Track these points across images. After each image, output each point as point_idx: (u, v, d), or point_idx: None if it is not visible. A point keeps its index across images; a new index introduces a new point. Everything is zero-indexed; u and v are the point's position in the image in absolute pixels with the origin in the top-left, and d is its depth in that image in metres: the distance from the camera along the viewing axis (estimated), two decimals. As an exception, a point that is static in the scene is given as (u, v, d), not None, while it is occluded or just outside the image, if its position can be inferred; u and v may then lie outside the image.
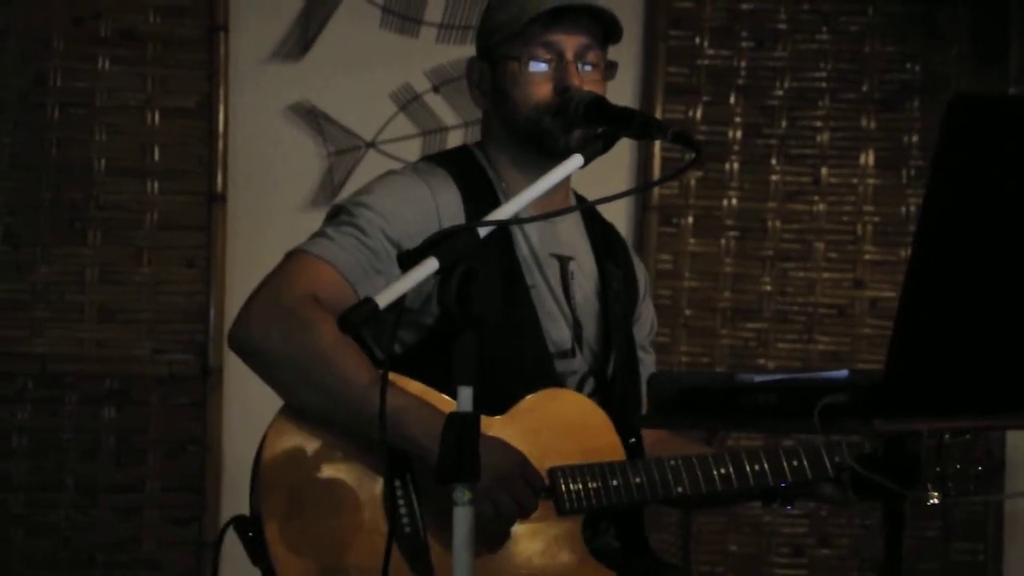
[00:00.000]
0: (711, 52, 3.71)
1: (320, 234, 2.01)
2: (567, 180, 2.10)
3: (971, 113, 1.14)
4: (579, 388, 2.08)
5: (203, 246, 3.55)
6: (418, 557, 1.89)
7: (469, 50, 3.65)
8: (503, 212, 1.66)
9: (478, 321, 1.54)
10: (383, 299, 1.49)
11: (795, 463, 2.04)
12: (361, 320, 1.48)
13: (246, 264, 3.46)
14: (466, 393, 1.54)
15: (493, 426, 1.94)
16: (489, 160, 2.14)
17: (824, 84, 3.71)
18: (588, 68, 2.05)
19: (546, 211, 1.95)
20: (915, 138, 3.70)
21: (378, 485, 1.91)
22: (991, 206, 1.17)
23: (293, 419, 1.95)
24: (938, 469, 1.44)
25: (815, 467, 2.05)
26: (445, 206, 2.03)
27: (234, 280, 3.50)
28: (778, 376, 1.40)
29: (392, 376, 1.91)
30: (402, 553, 1.89)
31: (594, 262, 2.16)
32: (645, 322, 2.25)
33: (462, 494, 1.54)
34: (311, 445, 1.92)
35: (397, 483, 1.91)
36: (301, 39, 3.61)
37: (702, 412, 1.43)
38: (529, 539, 1.96)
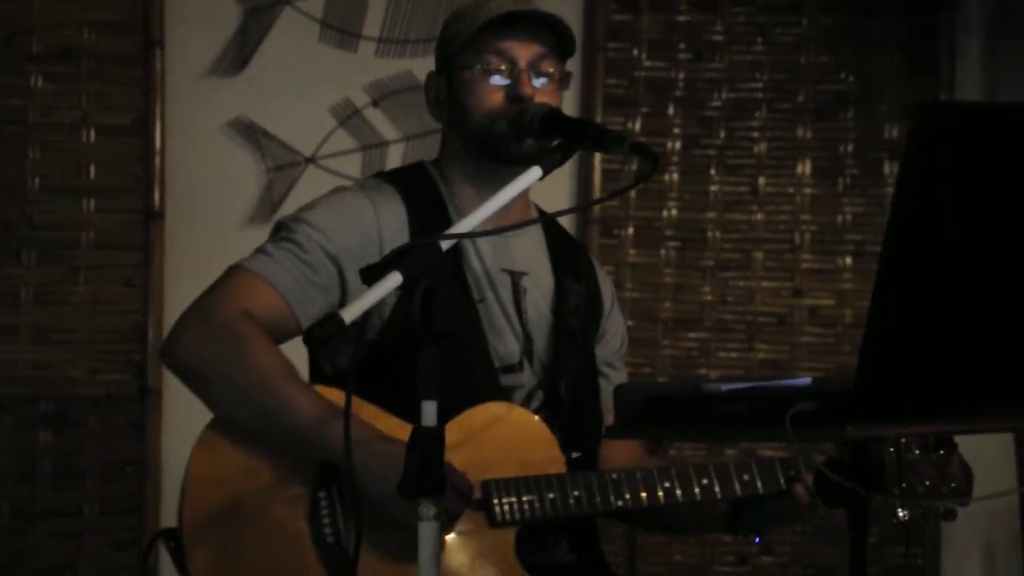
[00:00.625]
0: (649, 64, 3.73)
1: (259, 250, 2.02)
2: (526, 195, 2.10)
3: (937, 120, 1.16)
4: (526, 402, 2.07)
5: (140, 264, 3.50)
6: (340, 567, 1.91)
7: (408, 64, 3.70)
8: (463, 226, 1.66)
9: (441, 336, 1.53)
10: (348, 314, 1.48)
11: (745, 477, 2.00)
12: (327, 336, 1.47)
13: (184, 282, 3.40)
14: (430, 408, 1.53)
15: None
16: (443, 175, 2.13)
17: (760, 95, 3.75)
18: (542, 79, 2.04)
19: (503, 225, 1.94)
20: (850, 147, 3.75)
21: (304, 496, 1.92)
22: (959, 212, 1.19)
23: (221, 432, 1.96)
24: (902, 483, 1.46)
25: (767, 482, 2.01)
26: (388, 221, 2.03)
27: (172, 299, 3.45)
28: (745, 384, 1.40)
29: (323, 389, 1.94)
30: (323, 563, 1.90)
31: (552, 277, 2.16)
32: (612, 338, 2.23)
33: (427, 509, 1.53)
34: (238, 457, 1.93)
35: (322, 494, 1.92)
36: (238, 54, 3.58)
37: (669, 422, 1.43)
38: (458, 550, 1.94)
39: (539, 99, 2.01)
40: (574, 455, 2.06)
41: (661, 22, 3.73)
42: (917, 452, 1.65)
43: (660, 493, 1.98)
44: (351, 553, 1.82)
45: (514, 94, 2.02)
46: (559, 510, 1.95)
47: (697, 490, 2.00)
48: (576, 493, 1.96)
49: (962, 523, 3.70)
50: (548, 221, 2.20)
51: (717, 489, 2.00)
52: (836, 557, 3.64)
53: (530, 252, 2.15)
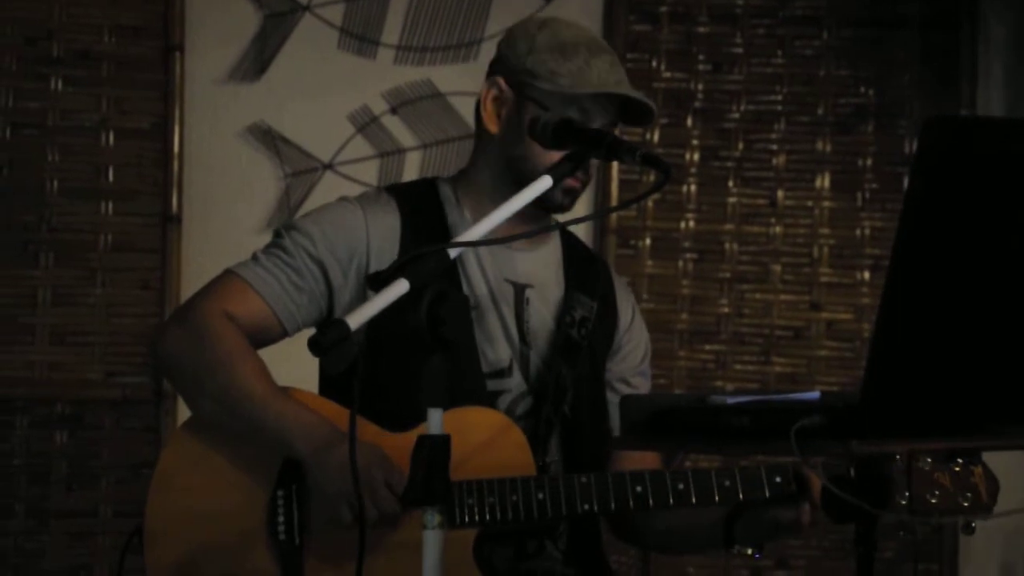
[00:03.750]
0: (668, 75, 3.73)
1: (252, 256, 2.09)
2: (546, 213, 2.09)
3: (945, 134, 1.15)
4: (512, 406, 2.08)
5: (158, 268, 3.51)
6: (289, 565, 1.96)
7: (427, 72, 3.70)
8: (472, 234, 1.66)
9: (447, 343, 1.53)
10: (354, 320, 1.48)
11: (726, 483, 1.96)
12: (331, 343, 1.47)
13: (201, 286, 3.42)
14: (436, 416, 1.53)
15: (397, 440, 1.95)
16: (455, 187, 2.14)
17: (780, 107, 3.74)
18: None
19: (514, 236, 1.93)
20: (869, 161, 3.74)
21: (264, 495, 1.98)
22: (966, 227, 1.18)
23: (192, 430, 2.04)
24: (908, 496, 1.44)
25: (748, 488, 1.96)
26: (376, 229, 2.06)
27: None
28: (750, 398, 1.40)
29: (299, 393, 2.01)
30: (276, 561, 1.96)
31: (563, 290, 2.16)
32: (630, 354, 2.22)
33: (432, 517, 1.53)
34: (206, 457, 2.00)
35: (280, 492, 1.97)
36: (257, 60, 3.59)
37: (675, 434, 1.43)
38: (415, 551, 1.92)
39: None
40: (549, 460, 2.06)
41: (680, 33, 3.72)
42: (929, 461, 1.61)
43: (630, 498, 1.96)
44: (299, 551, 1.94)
45: (585, 166, 1.97)
46: (521, 513, 1.95)
47: (671, 496, 1.96)
48: (540, 496, 1.95)
49: (980, 539, 3.67)
50: (567, 236, 2.21)
51: (694, 495, 1.96)
52: (849, 572, 3.61)
53: (540, 265, 2.16)
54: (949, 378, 1.23)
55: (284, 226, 2.11)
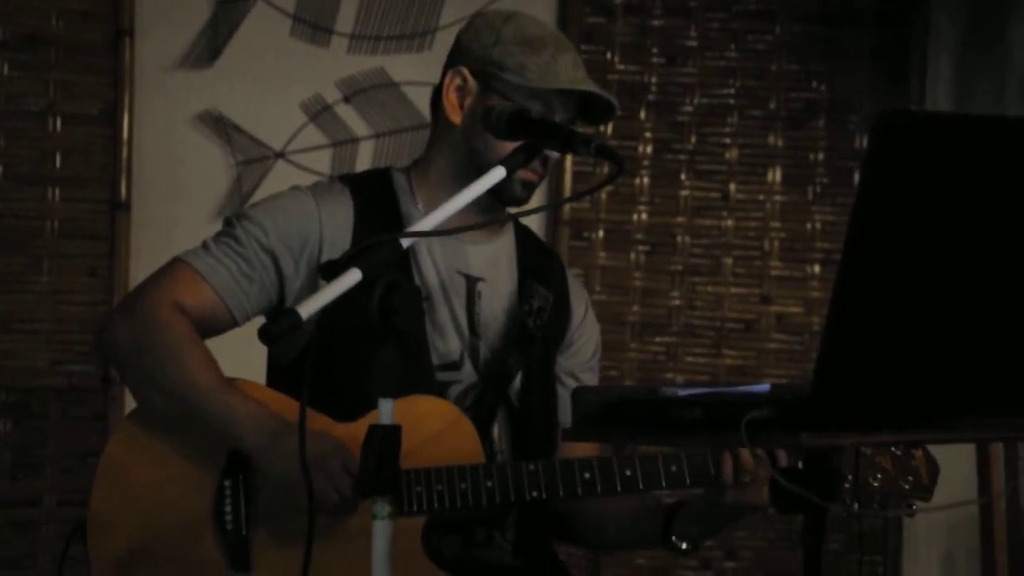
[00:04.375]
0: (622, 67, 3.73)
1: (202, 244, 2.07)
2: (502, 206, 2.08)
3: (896, 128, 1.16)
4: (461, 398, 2.08)
5: (106, 255, 3.48)
6: (236, 554, 1.97)
7: (380, 61, 3.68)
8: (425, 224, 1.65)
9: (399, 333, 1.53)
10: (305, 310, 1.47)
11: (673, 468, 1.95)
12: (282, 332, 1.46)
13: (149, 274, 3.38)
14: (387, 406, 1.52)
15: (346, 429, 1.95)
16: (410, 177, 2.13)
17: (732, 101, 3.75)
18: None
19: (467, 227, 1.93)
20: (820, 156, 3.76)
21: (211, 484, 1.98)
22: (916, 221, 1.19)
23: (138, 420, 2.03)
24: (851, 479, 1.45)
25: (696, 474, 1.94)
26: (330, 218, 2.05)
27: None
28: (702, 390, 1.40)
29: (247, 385, 2.01)
30: (222, 550, 1.97)
31: (515, 284, 2.15)
32: (580, 349, 2.22)
33: (381, 508, 1.53)
34: (152, 447, 2.00)
35: (227, 482, 1.97)
36: (209, 46, 3.55)
37: (626, 426, 1.43)
38: (364, 539, 1.90)
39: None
40: (497, 450, 2.06)
41: (635, 26, 3.73)
42: (867, 451, 1.63)
43: (578, 485, 1.96)
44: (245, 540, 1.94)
45: (544, 157, 2.00)
46: (470, 500, 1.95)
47: (619, 482, 1.96)
48: (489, 483, 1.95)
49: (923, 531, 3.72)
50: (522, 230, 2.21)
51: (640, 480, 1.96)
52: (797, 562, 3.64)
53: (493, 258, 2.15)
54: (899, 371, 1.24)
55: (235, 214, 2.09)
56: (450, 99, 2.06)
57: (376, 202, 2.09)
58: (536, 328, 2.13)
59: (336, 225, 2.05)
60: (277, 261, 2.04)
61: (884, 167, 1.16)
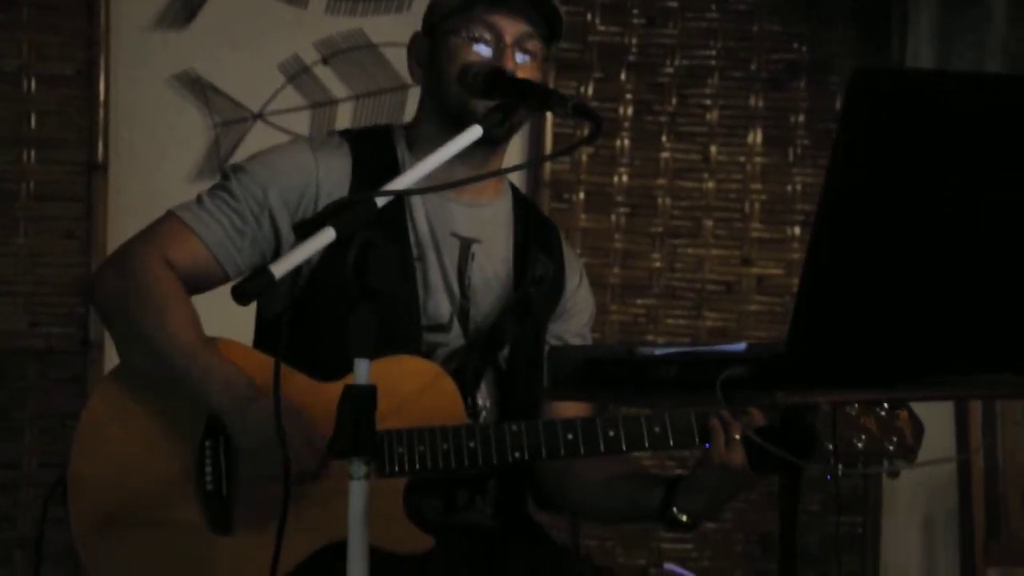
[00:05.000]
0: (602, 28, 3.71)
1: (197, 198, 2.05)
2: (494, 163, 2.09)
3: (873, 86, 1.15)
4: (447, 360, 2.07)
5: (83, 217, 3.45)
6: (217, 514, 1.96)
7: (359, 22, 3.65)
8: (402, 182, 1.64)
9: (374, 292, 1.52)
10: (278, 269, 1.46)
11: (656, 429, 1.94)
12: (256, 291, 1.46)
13: (128, 235, 3.35)
14: (363, 366, 1.52)
15: (327, 389, 1.94)
16: (408, 139, 2.13)
17: (713, 62, 3.74)
18: (525, 56, 2.04)
19: (461, 194, 1.94)
20: (801, 117, 3.75)
21: (191, 444, 1.98)
22: (892, 179, 1.18)
23: (119, 378, 2.02)
24: (834, 440, 1.45)
25: (679, 435, 1.93)
26: (327, 172, 2.04)
27: None
28: (678, 349, 1.40)
29: (227, 345, 1.99)
30: (202, 510, 1.96)
31: (510, 249, 2.15)
32: (573, 317, 2.22)
33: (358, 468, 1.52)
34: (132, 404, 1.99)
35: (208, 443, 1.97)
36: (186, 7, 3.52)
37: (602, 385, 1.43)
38: (344, 499, 1.91)
39: (520, 75, 2.00)
40: (481, 410, 2.05)
41: (616, -14, 3.70)
42: (856, 406, 1.62)
43: (561, 445, 1.95)
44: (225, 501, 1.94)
45: (494, 66, 1.99)
46: (451, 461, 1.94)
47: (601, 442, 1.95)
48: (471, 444, 1.94)
49: (904, 492, 3.74)
50: (520, 199, 2.21)
51: (623, 441, 1.94)
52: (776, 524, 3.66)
53: (489, 222, 2.15)
54: (875, 328, 1.24)
55: (231, 167, 2.07)
56: (411, 67, 2.13)
57: (376, 158, 2.08)
58: (535, 296, 2.12)
59: (333, 179, 2.04)
60: (272, 216, 2.03)
61: (860, 124, 1.16)
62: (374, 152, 2.09)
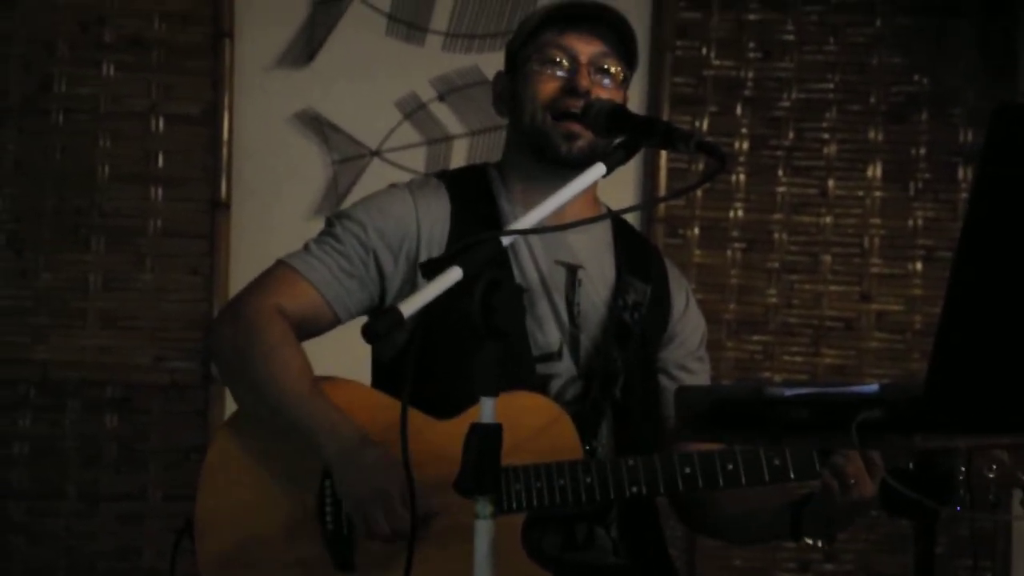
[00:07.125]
0: (717, 63, 3.69)
1: (303, 246, 2.09)
2: (592, 192, 2.11)
3: (1015, 121, 1.12)
4: (562, 390, 2.07)
5: (206, 254, 3.53)
6: (340, 552, 1.97)
7: (475, 59, 3.69)
8: (525, 222, 1.65)
9: (500, 333, 1.52)
10: (407, 308, 1.48)
11: (776, 462, 1.92)
12: (385, 330, 1.47)
13: (249, 272, 3.34)
14: (489, 404, 1.52)
15: (445, 427, 1.95)
16: (502, 175, 2.15)
17: (831, 95, 3.69)
18: (604, 77, 2.04)
19: (562, 220, 1.93)
20: (922, 150, 3.69)
21: (313, 484, 1.99)
22: (1036, 218, 1.16)
23: (235, 426, 2.06)
24: (963, 471, 1.41)
25: (800, 468, 1.92)
26: (427, 213, 2.07)
27: (237, 288, 3.38)
28: (808, 390, 1.37)
29: (333, 388, 2.01)
30: (326, 548, 1.98)
31: (614, 273, 2.14)
32: (686, 340, 2.21)
33: (483, 507, 1.52)
34: (251, 448, 2.02)
35: (327, 483, 1.98)
36: (307, 46, 3.59)
37: (732, 426, 1.41)
38: (465, 538, 1.89)
39: (598, 94, 2.00)
40: (596, 445, 2.04)
41: (730, 20, 3.69)
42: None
43: (679, 480, 1.94)
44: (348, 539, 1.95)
45: (571, 86, 2.01)
46: (569, 497, 1.94)
47: (721, 477, 1.94)
48: (588, 480, 1.93)
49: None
50: (619, 221, 2.21)
51: (743, 475, 1.93)
52: (900, 567, 3.58)
53: (591, 247, 2.15)
54: (1017, 369, 1.20)
55: (335, 215, 2.12)
56: (495, 102, 2.16)
57: (473, 198, 2.11)
58: (634, 323, 2.11)
59: (433, 221, 2.07)
60: (377, 258, 2.06)
61: (1002, 160, 1.13)
62: (471, 191, 2.11)
